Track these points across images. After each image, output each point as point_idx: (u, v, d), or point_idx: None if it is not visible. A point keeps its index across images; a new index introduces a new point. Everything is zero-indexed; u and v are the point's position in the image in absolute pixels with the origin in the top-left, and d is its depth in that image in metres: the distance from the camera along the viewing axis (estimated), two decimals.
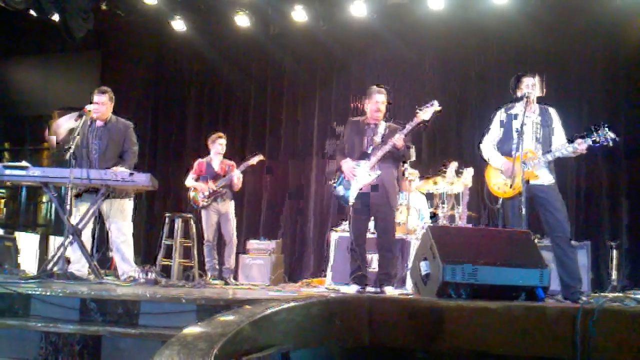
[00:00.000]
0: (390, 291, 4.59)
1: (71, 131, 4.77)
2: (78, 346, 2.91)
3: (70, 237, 4.54)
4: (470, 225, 5.86)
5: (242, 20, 8.24)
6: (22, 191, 9.68)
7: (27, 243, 7.51)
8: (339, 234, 6.16)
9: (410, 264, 4.84)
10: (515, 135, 4.28)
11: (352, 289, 4.67)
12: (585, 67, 7.20)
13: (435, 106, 4.75)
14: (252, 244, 7.34)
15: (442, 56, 7.96)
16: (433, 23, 7.73)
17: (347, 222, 5.44)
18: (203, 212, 6.32)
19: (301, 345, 2.80)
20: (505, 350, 2.95)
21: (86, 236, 4.80)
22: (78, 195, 4.84)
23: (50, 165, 5.75)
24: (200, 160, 6.49)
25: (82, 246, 4.59)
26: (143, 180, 4.59)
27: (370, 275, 5.00)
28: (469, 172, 5.82)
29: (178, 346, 2.02)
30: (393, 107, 5.08)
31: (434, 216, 6.10)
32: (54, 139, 4.87)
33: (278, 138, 8.68)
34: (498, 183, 4.37)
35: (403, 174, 5.58)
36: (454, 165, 5.90)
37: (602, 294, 4.33)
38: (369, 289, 4.77)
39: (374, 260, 5.32)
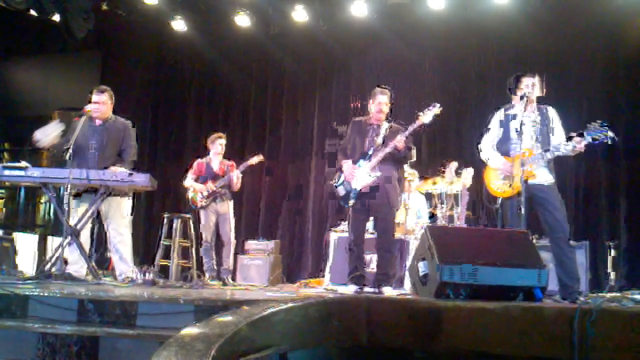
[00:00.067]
0: (388, 291, 4.59)
1: (64, 133, 4.77)
2: (75, 347, 2.92)
3: (69, 237, 4.53)
4: (467, 226, 5.85)
5: (242, 20, 8.25)
6: (20, 191, 9.68)
7: (25, 244, 7.49)
8: (338, 234, 6.16)
9: (408, 264, 4.84)
10: (514, 135, 4.29)
11: (350, 289, 4.67)
12: (585, 67, 7.19)
13: (437, 109, 4.76)
14: (251, 244, 7.34)
15: (442, 56, 7.95)
16: (433, 23, 7.72)
17: (346, 222, 5.45)
18: (201, 213, 6.30)
19: (299, 346, 2.80)
20: (503, 351, 2.95)
21: (84, 237, 4.80)
22: (77, 195, 4.83)
23: (49, 166, 5.74)
24: (199, 160, 6.47)
25: (80, 247, 4.58)
26: (142, 180, 4.59)
27: (369, 275, 5.00)
28: (468, 172, 5.82)
29: (176, 347, 2.02)
30: (393, 107, 5.08)
31: (432, 216, 6.10)
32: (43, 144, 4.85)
33: (278, 138, 8.68)
34: (497, 183, 4.37)
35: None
36: (453, 165, 5.89)
37: (600, 294, 4.31)
38: (367, 289, 4.77)
39: (372, 260, 5.32)
